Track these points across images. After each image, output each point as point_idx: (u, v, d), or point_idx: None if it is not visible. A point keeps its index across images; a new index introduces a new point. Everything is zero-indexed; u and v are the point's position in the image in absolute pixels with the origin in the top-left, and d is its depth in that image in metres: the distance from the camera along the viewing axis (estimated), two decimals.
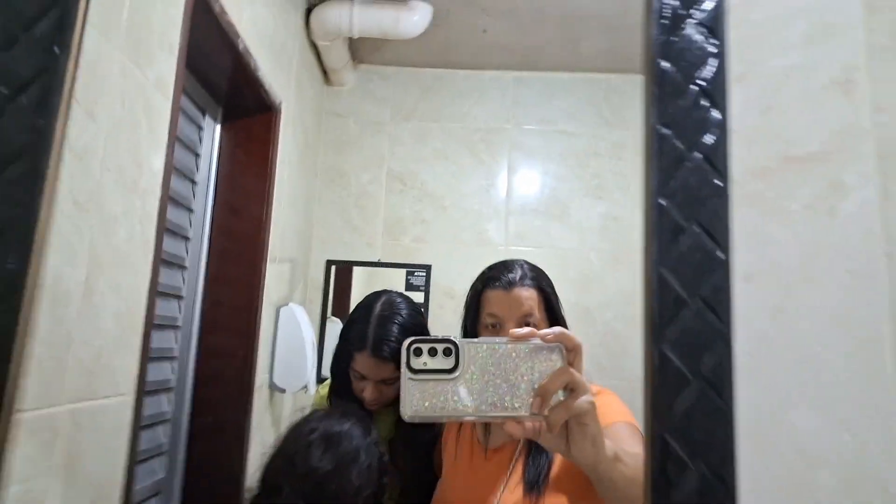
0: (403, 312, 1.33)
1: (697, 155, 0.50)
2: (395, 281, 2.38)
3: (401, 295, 1.39)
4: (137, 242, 0.92)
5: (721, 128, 0.51)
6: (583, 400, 0.67)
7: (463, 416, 0.65)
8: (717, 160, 0.50)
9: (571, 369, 0.67)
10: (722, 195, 0.50)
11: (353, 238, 2.36)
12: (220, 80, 1.51)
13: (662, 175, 0.50)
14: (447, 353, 0.66)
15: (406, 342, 0.66)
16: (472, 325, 1.29)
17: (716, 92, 0.51)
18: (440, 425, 1.26)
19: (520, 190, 2.44)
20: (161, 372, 1.36)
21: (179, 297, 1.45)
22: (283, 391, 1.75)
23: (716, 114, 0.51)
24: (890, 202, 0.51)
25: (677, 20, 0.52)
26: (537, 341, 0.67)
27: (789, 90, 0.53)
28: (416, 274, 2.39)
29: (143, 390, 0.90)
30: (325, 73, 2.38)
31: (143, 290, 0.94)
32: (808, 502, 0.45)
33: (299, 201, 2.09)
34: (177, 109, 1.03)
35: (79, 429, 0.77)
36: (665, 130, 0.51)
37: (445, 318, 2.36)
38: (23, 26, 0.54)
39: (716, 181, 0.50)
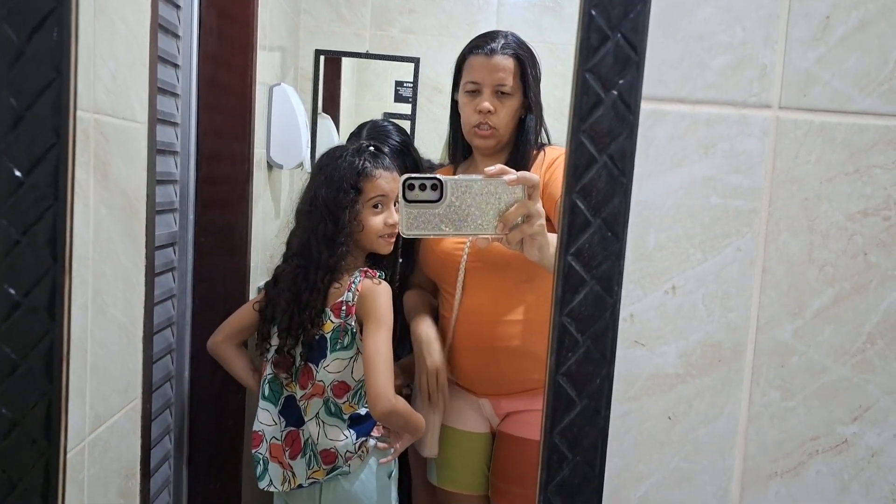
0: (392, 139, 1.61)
1: None
2: (384, 74, 2.41)
3: (386, 120, 1.63)
4: None
5: None
6: (536, 224, 0.86)
7: (446, 234, 0.84)
8: None
9: (529, 202, 0.84)
10: None
11: (340, 28, 2.34)
12: None
13: None
14: (434, 187, 0.81)
15: (402, 179, 0.81)
16: (455, 89, 1.45)
17: None
18: None
19: None
20: (167, 105, 1.44)
21: (176, 66, 1.49)
22: (280, 167, 1.86)
23: None
24: None
25: None
26: (507, 178, 0.83)
27: None
28: (404, 85, 2.40)
29: (156, 118, 0.99)
30: None
31: (146, 27, 1.00)
32: (700, 81, 0.58)
33: None
34: None
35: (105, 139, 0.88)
36: None
37: (434, 112, 2.42)
38: None
39: None
